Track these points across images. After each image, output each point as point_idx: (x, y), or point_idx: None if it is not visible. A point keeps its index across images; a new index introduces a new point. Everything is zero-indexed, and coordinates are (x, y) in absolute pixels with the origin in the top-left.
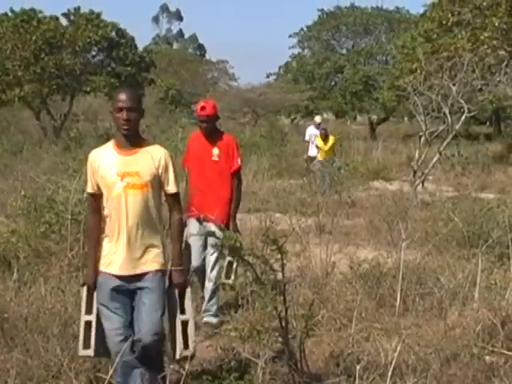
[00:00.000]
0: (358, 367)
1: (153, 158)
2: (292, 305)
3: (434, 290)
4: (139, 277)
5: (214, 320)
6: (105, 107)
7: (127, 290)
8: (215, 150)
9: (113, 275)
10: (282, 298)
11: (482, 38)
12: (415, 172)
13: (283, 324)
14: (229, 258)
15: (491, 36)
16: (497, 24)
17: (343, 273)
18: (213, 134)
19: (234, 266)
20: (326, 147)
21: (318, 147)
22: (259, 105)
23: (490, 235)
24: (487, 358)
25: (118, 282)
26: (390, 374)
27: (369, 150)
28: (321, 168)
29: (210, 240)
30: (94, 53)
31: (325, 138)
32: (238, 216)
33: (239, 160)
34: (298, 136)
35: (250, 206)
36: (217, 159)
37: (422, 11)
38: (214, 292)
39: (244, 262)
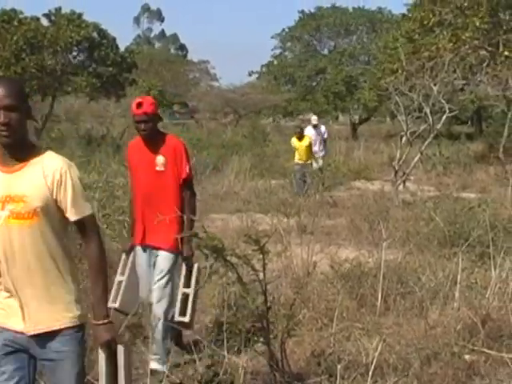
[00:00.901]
0: (339, 367)
1: (44, 173)
2: (273, 305)
3: (415, 289)
4: (44, 339)
5: (160, 368)
6: (86, 108)
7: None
8: (159, 159)
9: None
10: (263, 298)
11: (463, 38)
12: (396, 172)
13: (264, 324)
14: (185, 290)
15: (472, 36)
16: (478, 24)
17: (324, 272)
18: (154, 137)
19: (191, 299)
20: (303, 147)
21: (294, 148)
22: (241, 105)
23: (470, 234)
24: (468, 356)
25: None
26: (371, 373)
27: (350, 149)
28: (300, 169)
29: (156, 269)
30: (75, 53)
31: (300, 138)
32: (220, 217)
33: (188, 167)
34: (279, 136)
35: (232, 207)
36: (162, 169)
37: (404, 11)
38: (162, 331)
39: (226, 263)
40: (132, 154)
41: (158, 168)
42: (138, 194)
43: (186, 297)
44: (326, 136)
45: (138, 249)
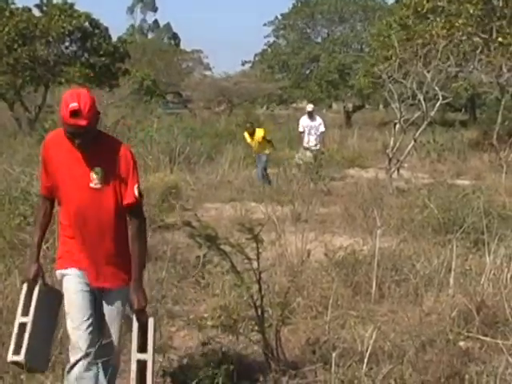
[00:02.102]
0: (334, 354)
1: None
2: (268, 293)
3: (410, 276)
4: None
5: None
6: None
7: None
8: (96, 172)
9: None
10: (257, 286)
11: (456, 24)
12: (390, 159)
13: (259, 312)
14: (140, 357)
15: (466, 23)
16: (471, 11)
17: (319, 260)
18: (92, 143)
19: (150, 369)
20: (254, 142)
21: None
22: (234, 94)
23: (465, 221)
24: (463, 343)
25: None
26: (366, 360)
27: (344, 137)
28: (259, 160)
29: (106, 316)
30: (67, 43)
31: (252, 133)
32: (214, 206)
33: (137, 189)
34: (273, 125)
35: (226, 196)
36: (98, 186)
37: None
38: None
39: (220, 251)
40: (53, 156)
41: (93, 185)
42: (68, 212)
43: (142, 365)
44: (322, 129)
45: (71, 272)
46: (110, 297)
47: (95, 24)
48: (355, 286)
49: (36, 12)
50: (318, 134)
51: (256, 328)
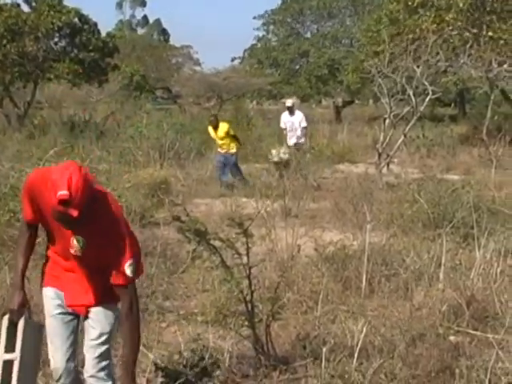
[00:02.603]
0: (324, 349)
1: None
2: (258, 288)
3: (400, 271)
4: None
5: None
6: (69, 94)
7: None
8: (77, 240)
9: None
10: (247, 281)
11: (446, 19)
12: (380, 154)
13: (249, 308)
14: (7, 356)
15: (456, 17)
16: (461, 5)
17: (309, 256)
18: None
19: (16, 369)
20: (218, 137)
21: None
22: (224, 89)
23: (454, 216)
24: (453, 337)
25: None
26: (356, 355)
27: (334, 133)
28: (219, 158)
29: (89, 333)
30: (56, 39)
31: (216, 127)
32: (204, 201)
33: (129, 266)
34: (262, 120)
35: (216, 191)
36: (78, 254)
37: None
38: None
39: (209, 246)
40: (37, 199)
41: (72, 251)
42: (53, 249)
43: (8, 365)
44: (304, 124)
45: (50, 292)
46: (90, 313)
47: (84, 19)
48: (345, 280)
49: (25, 7)
50: (300, 129)
51: (246, 323)
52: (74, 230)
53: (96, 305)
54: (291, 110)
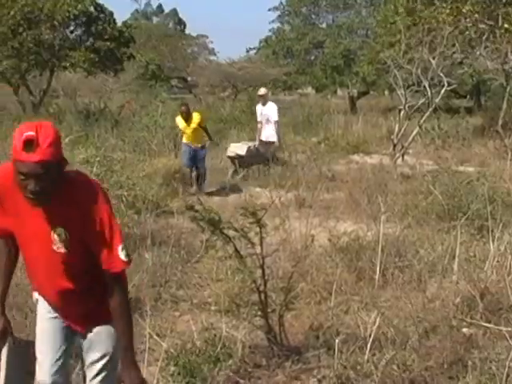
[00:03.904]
0: (337, 340)
1: None
2: (271, 278)
3: (414, 262)
4: None
5: None
6: (84, 83)
7: None
8: (58, 233)
9: None
10: (261, 271)
11: (463, 11)
12: (395, 145)
13: (262, 297)
14: None
15: (472, 9)
16: None
17: (323, 246)
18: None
19: None
20: (190, 129)
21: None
22: (239, 79)
23: (469, 208)
24: (466, 330)
25: None
26: (369, 346)
27: (349, 123)
28: (187, 151)
29: (89, 355)
30: (72, 28)
31: (187, 118)
32: (217, 191)
33: (122, 248)
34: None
35: (230, 181)
36: (62, 251)
37: None
38: None
39: (223, 236)
40: (5, 198)
41: (55, 247)
42: (26, 264)
43: None
44: (275, 118)
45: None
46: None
47: (100, 8)
48: (359, 271)
49: None
50: (272, 123)
51: (259, 313)
52: (51, 219)
53: (97, 324)
54: (264, 100)
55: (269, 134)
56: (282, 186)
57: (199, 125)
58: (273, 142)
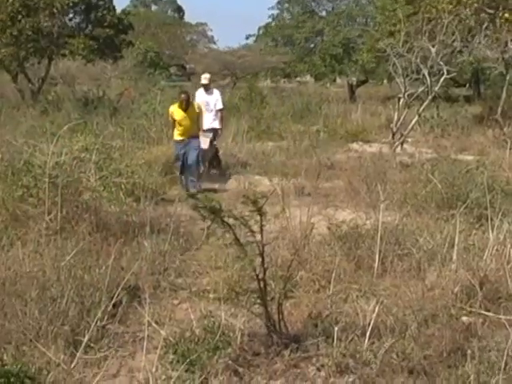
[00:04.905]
0: (336, 328)
1: None
2: (271, 266)
3: (413, 251)
4: None
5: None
6: (83, 70)
7: None
8: None
9: None
10: (260, 259)
11: (463, 0)
12: (394, 134)
13: (262, 285)
14: None
15: None
16: None
17: (322, 234)
18: None
19: None
20: (188, 120)
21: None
22: (238, 67)
23: (468, 196)
24: (465, 318)
25: None
26: (368, 334)
27: (348, 112)
28: (180, 148)
29: None
30: (71, 15)
31: (186, 108)
32: (217, 178)
33: None
34: (276, 99)
35: (230, 169)
36: None
37: None
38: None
39: (223, 224)
40: None
41: None
42: None
43: None
44: (219, 106)
45: None
46: None
47: None
48: (358, 260)
49: None
50: (216, 111)
51: (258, 301)
52: None
53: None
54: (207, 88)
55: (212, 121)
56: (282, 174)
57: (198, 115)
58: (217, 130)
